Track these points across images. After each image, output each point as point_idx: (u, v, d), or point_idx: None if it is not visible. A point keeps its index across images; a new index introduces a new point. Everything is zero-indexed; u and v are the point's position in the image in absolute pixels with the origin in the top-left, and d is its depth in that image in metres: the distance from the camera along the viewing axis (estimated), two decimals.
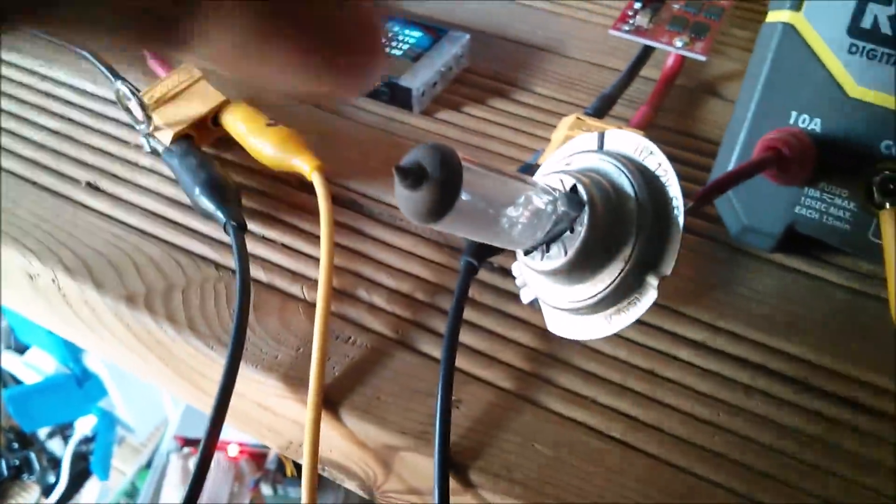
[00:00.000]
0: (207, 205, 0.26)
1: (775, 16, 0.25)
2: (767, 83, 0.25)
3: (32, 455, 0.93)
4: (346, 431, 0.23)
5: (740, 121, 0.25)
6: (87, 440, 0.86)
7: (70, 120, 0.32)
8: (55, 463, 0.91)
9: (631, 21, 0.33)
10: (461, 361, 0.23)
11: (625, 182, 0.18)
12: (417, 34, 0.33)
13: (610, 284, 0.17)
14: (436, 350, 0.24)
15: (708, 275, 0.26)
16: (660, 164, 0.18)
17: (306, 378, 0.23)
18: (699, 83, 0.34)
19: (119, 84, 0.28)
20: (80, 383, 0.78)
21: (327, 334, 0.23)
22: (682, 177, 0.29)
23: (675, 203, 0.17)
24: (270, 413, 0.24)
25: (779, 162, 0.21)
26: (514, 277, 0.24)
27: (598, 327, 0.18)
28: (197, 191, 0.26)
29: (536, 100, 0.33)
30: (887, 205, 0.23)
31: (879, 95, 0.23)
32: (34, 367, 0.81)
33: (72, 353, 0.78)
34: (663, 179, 0.18)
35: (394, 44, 0.33)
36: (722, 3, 0.34)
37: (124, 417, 0.84)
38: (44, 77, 0.34)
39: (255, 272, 0.26)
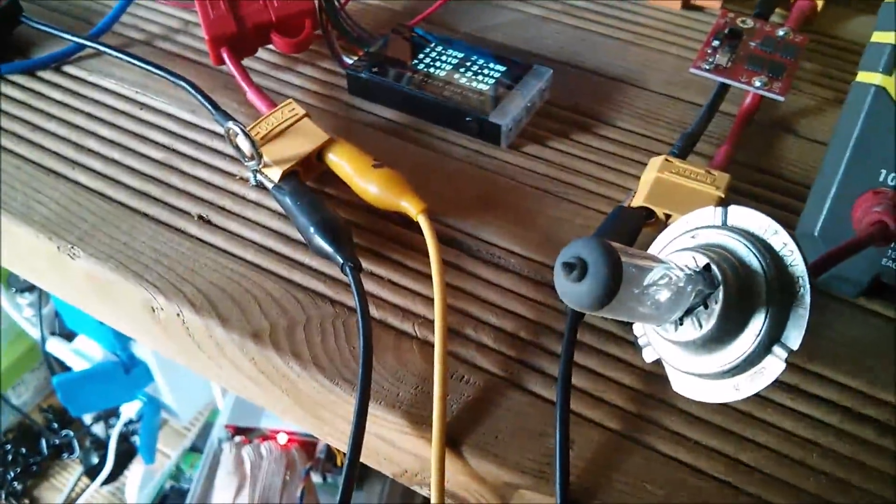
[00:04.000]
0: (324, 245, 0.28)
1: (867, 77, 0.26)
2: (858, 143, 0.26)
3: (72, 435, 0.96)
4: (465, 467, 0.24)
5: (831, 176, 0.26)
6: (131, 422, 0.89)
7: (173, 150, 0.34)
8: (98, 444, 0.94)
9: (710, 60, 0.34)
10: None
11: (753, 260, 0.19)
12: (502, 68, 0.35)
13: (739, 357, 0.19)
14: (544, 390, 0.25)
15: None
16: (785, 244, 0.19)
17: (427, 415, 0.24)
18: (772, 119, 0.35)
19: (231, 124, 0.30)
20: (128, 370, 0.81)
21: (446, 376, 0.25)
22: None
23: (802, 282, 0.19)
24: (389, 445, 0.26)
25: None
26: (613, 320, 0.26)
27: (724, 393, 0.20)
28: (312, 230, 0.28)
29: (618, 134, 0.34)
30: None
31: None
32: (82, 354, 0.83)
33: (120, 341, 0.80)
34: (789, 259, 0.19)
35: (480, 77, 0.34)
36: (796, 41, 0.35)
37: (168, 402, 0.86)
38: (142, 105, 0.36)
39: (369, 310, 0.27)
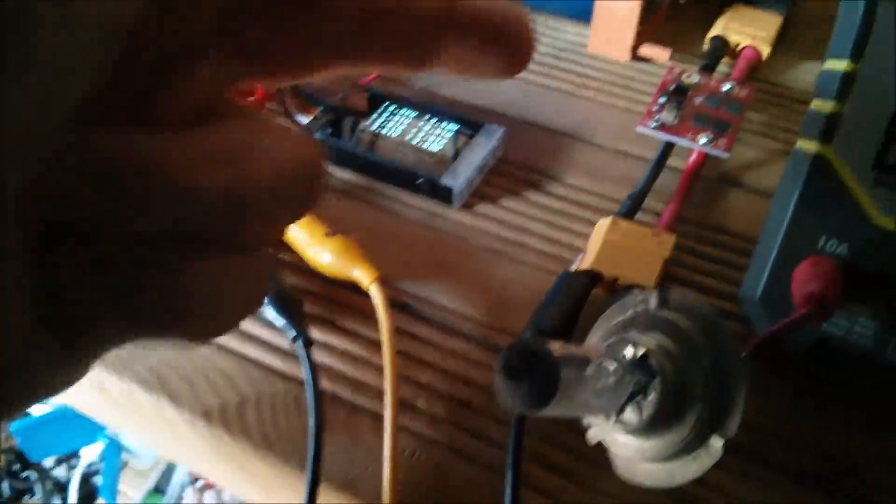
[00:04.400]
0: (276, 319, 0.27)
1: (806, 144, 0.27)
2: (797, 209, 0.27)
3: (34, 478, 0.94)
4: None
5: (771, 242, 0.27)
6: (92, 464, 0.88)
7: None
8: (60, 486, 0.92)
9: (657, 117, 0.35)
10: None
11: (690, 346, 0.20)
12: (454, 127, 0.35)
13: (678, 443, 0.19)
14: (496, 461, 0.26)
15: None
16: (721, 331, 0.20)
17: (379, 492, 0.24)
18: (719, 173, 0.36)
19: None
20: None
21: (397, 454, 0.25)
22: (711, 274, 0.31)
23: (738, 368, 0.19)
24: None
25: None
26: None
27: (663, 478, 0.20)
28: (265, 302, 0.28)
29: (568, 190, 0.35)
30: None
31: None
32: None
33: None
34: (725, 345, 0.20)
35: (432, 138, 0.34)
36: (741, 96, 0.36)
37: (130, 443, 0.85)
38: None
39: (321, 383, 0.27)
